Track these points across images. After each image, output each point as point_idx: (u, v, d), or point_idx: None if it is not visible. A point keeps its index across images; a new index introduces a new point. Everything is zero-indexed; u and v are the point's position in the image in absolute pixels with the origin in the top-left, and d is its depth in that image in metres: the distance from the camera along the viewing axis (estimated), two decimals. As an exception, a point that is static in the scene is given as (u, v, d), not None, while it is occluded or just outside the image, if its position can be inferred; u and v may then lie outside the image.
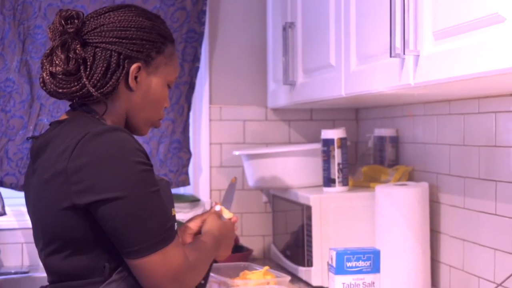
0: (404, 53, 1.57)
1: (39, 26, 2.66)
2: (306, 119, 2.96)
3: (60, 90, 1.55)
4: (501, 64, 1.23)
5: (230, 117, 2.91)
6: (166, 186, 1.65)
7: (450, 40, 1.43)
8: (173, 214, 1.62)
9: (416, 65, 1.56)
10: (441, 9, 1.46)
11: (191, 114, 2.84)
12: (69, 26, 1.55)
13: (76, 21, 1.56)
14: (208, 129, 2.89)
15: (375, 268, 1.88)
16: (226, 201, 2.02)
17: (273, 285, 2.06)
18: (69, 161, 1.46)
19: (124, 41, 1.57)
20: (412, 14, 1.56)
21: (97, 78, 1.55)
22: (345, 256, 1.86)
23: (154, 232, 1.47)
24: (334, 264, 1.87)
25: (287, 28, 2.48)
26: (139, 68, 1.60)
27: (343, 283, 1.87)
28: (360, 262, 1.87)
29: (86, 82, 1.53)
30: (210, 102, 2.89)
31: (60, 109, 2.66)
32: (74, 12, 1.57)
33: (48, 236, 1.53)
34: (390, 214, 2.19)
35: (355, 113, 2.99)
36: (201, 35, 2.79)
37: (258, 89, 2.92)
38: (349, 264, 1.87)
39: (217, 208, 1.92)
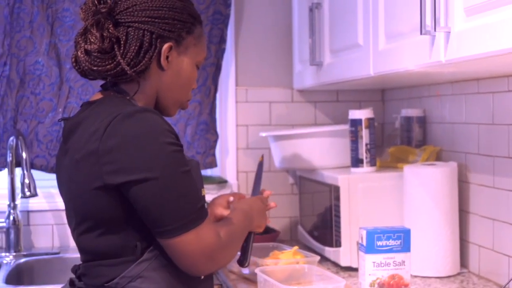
0: (435, 30, 1.56)
1: (67, 9, 2.69)
2: (332, 101, 2.96)
3: (95, 68, 1.56)
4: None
5: (256, 98, 2.92)
6: (196, 166, 1.66)
7: (481, 16, 1.43)
8: (202, 194, 1.63)
9: (447, 42, 1.55)
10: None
11: (217, 95, 2.85)
12: (101, 6, 1.56)
13: (108, 1, 1.57)
14: (235, 111, 2.90)
15: (405, 247, 1.89)
16: (257, 180, 2.03)
17: (303, 264, 2.07)
18: (100, 142, 1.47)
19: (156, 20, 1.58)
20: (443, -10, 1.56)
21: (131, 56, 1.56)
22: (376, 235, 1.87)
23: (186, 212, 1.48)
24: (364, 243, 1.88)
25: (314, 8, 2.47)
26: (170, 48, 1.60)
27: (374, 262, 1.88)
28: (391, 241, 1.88)
29: (121, 60, 1.54)
30: (236, 84, 2.90)
31: (88, 92, 2.69)
32: None
33: (80, 215, 1.55)
34: (418, 194, 2.19)
35: (381, 94, 2.98)
36: (227, 17, 2.79)
37: (283, 70, 2.92)
38: (379, 243, 1.88)
39: None
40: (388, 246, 1.87)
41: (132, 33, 1.56)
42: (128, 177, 1.45)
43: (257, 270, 1.97)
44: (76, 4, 2.68)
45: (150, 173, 1.45)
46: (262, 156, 2.14)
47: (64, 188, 1.60)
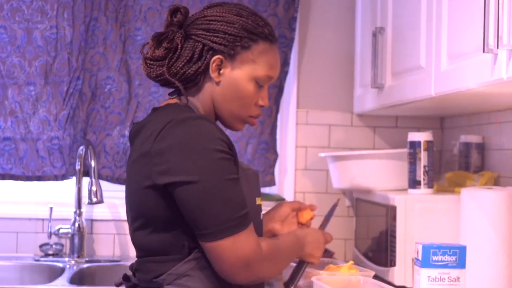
0: (497, 48, 1.61)
1: (138, 28, 2.82)
2: (391, 126, 3.01)
3: (149, 74, 1.68)
4: None
5: (316, 121, 2.99)
6: (253, 175, 1.71)
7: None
8: (257, 203, 1.68)
9: (509, 60, 1.60)
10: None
11: (278, 116, 2.93)
12: (173, 19, 1.67)
13: (179, 14, 1.67)
14: (295, 132, 2.97)
15: (461, 263, 1.91)
16: (326, 218, 2.06)
17: (358, 275, 2.11)
18: (153, 144, 1.55)
19: (208, 33, 1.64)
20: (506, 9, 1.61)
21: (180, 66, 1.64)
22: (431, 250, 1.90)
23: (226, 218, 1.51)
24: (420, 258, 1.91)
25: (377, 33, 2.54)
26: (221, 61, 1.65)
27: (428, 277, 1.90)
28: (446, 256, 1.90)
29: (165, 69, 1.64)
30: (298, 106, 2.98)
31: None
32: (180, 6, 1.68)
33: (134, 212, 1.63)
34: (475, 216, 2.21)
35: (440, 121, 3.02)
36: (291, 40, 2.88)
37: (344, 94, 2.99)
38: (435, 258, 1.90)
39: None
40: (444, 261, 1.90)
41: (189, 45, 1.65)
42: (173, 178, 1.51)
43: (313, 279, 2.01)
44: (148, 23, 2.81)
45: (194, 176, 1.50)
46: (338, 200, 2.14)
47: (126, 186, 1.69)
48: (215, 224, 1.51)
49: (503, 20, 1.62)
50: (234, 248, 1.52)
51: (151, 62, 1.67)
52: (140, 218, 1.62)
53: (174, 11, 1.67)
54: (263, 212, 1.84)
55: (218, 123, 1.72)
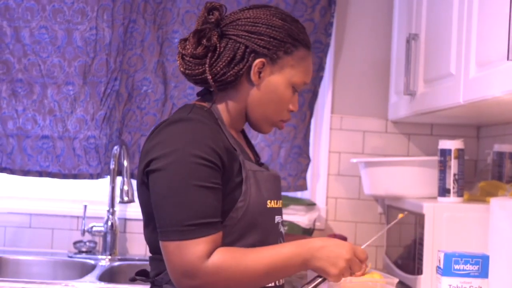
0: (521, 56, 1.60)
1: (176, 31, 2.86)
2: (426, 134, 2.98)
3: (186, 72, 1.66)
4: None
5: (350, 127, 2.98)
6: (269, 177, 1.69)
7: None
8: (269, 206, 1.65)
9: (532, 68, 1.59)
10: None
11: (312, 121, 2.94)
12: (210, 17, 1.65)
13: (217, 12, 1.65)
14: (328, 137, 2.97)
15: (483, 273, 1.89)
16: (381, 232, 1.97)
17: (382, 284, 2.10)
18: (146, 143, 1.60)
19: (252, 35, 1.63)
20: (530, 17, 1.60)
21: (221, 66, 1.63)
22: (453, 259, 1.88)
23: (177, 221, 1.49)
24: (441, 266, 1.90)
25: (411, 40, 2.53)
26: (263, 64, 1.65)
27: (450, 285, 1.89)
28: (468, 265, 1.89)
29: (207, 67, 1.62)
30: (332, 111, 2.98)
31: (189, 109, 2.83)
32: (217, 4, 1.67)
33: (141, 210, 1.67)
34: (504, 227, 2.18)
35: (476, 130, 2.98)
36: (327, 45, 2.89)
37: (379, 101, 2.98)
38: (456, 266, 1.88)
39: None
40: (466, 270, 1.88)
41: (230, 45, 1.63)
42: (149, 167, 1.54)
43: (330, 282, 2.01)
44: (185, 26, 2.85)
45: (162, 165, 1.51)
46: (404, 214, 1.94)
47: None
48: (166, 224, 1.51)
49: (527, 27, 1.60)
50: (177, 253, 1.50)
51: (190, 60, 1.65)
52: (144, 216, 1.66)
53: (211, 8, 1.66)
54: (299, 219, 1.78)
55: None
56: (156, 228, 1.56)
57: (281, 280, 1.69)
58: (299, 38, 1.68)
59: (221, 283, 1.52)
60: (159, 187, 1.52)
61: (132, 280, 1.72)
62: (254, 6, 1.71)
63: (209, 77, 1.62)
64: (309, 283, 1.67)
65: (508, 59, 1.64)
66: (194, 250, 1.49)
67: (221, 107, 1.69)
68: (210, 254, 1.50)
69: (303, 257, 1.58)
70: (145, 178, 1.58)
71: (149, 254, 1.68)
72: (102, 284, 2.38)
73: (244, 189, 1.59)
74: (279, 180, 1.76)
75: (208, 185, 1.52)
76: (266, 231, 1.64)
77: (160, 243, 1.53)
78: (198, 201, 1.51)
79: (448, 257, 1.88)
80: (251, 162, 1.67)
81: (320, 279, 1.66)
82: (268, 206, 1.65)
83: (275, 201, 1.68)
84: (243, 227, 1.59)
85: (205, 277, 1.50)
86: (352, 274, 1.66)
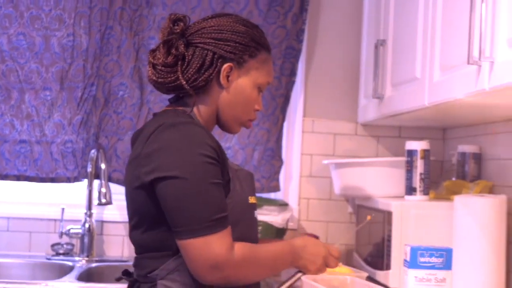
0: (480, 60, 1.70)
1: (152, 37, 2.94)
2: (394, 136, 3.09)
3: (159, 80, 1.74)
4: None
5: (321, 130, 3.08)
6: (247, 175, 1.80)
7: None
8: (250, 201, 1.77)
9: (490, 71, 1.69)
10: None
11: (285, 125, 3.03)
12: (175, 28, 1.74)
13: (182, 23, 1.75)
14: (300, 140, 3.07)
15: (447, 265, 1.99)
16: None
17: (352, 276, 2.19)
18: (143, 147, 1.65)
19: (219, 42, 1.74)
20: (489, 24, 1.70)
21: (191, 72, 1.72)
22: (419, 252, 1.99)
23: (201, 218, 1.57)
24: (408, 259, 2.00)
25: (379, 45, 2.64)
26: (230, 68, 1.75)
27: (416, 277, 1.99)
28: (433, 258, 1.99)
29: (180, 75, 1.71)
30: (304, 115, 3.08)
31: (165, 113, 2.91)
32: (182, 16, 1.77)
33: (130, 212, 1.74)
34: (467, 222, 2.28)
35: (442, 132, 3.10)
36: (299, 51, 2.99)
37: (349, 104, 3.08)
38: (422, 259, 1.99)
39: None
40: (431, 263, 1.98)
41: (197, 53, 1.73)
42: (157, 175, 1.60)
43: (303, 277, 2.10)
44: (161, 32, 2.93)
45: (175, 172, 1.58)
46: (371, 216, 2.17)
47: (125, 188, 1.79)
48: (189, 223, 1.58)
49: (486, 34, 1.70)
50: (204, 248, 1.58)
51: (162, 68, 1.73)
52: (134, 217, 1.72)
53: (176, 20, 1.75)
54: (273, 219, 1.92)
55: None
56: (149, 229, 1.66)
57: None
58: (261, 42, 1.80)
59: (244, 273, 1.65)
60: (177, 191, 1.59)
61: (118, 280, 1.79)
62: (216, 15, 1.81)
63: (184, 82, 1.71)
64: (291, 278, 1.82)
65: (468, 63, 1.75)
66: (222, 243, 1.59)
67: (195, 112, 1.78)
68: (233, 245, 1.61)
69: (292, 255, 1.75)
70: (146, 182, 1.62)
71: (127, 255, 1.74)
72: (82, 284, 2.44)
73: (232, 187, 1.70)
74: (253, 177, 1.86)
75: (218, 181, 1.63)
76: (249, 225, 1.74)
77: (182, 242, 1.59)
78: (214, 196, 1.61)
79: (414, 251, 1.99)
80: (230, 162, 1.76)
81: (300, 274, 1.81)
82: (249, 202, 1.76)
83: (253, 197, 1.79)
84: (230, 222, 1.67)
85: (233, 268, 1.61)
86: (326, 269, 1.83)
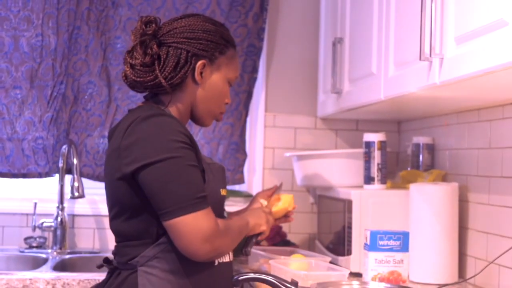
0: (431, 56, 1.86)
1: (118, 37, 3.04)
2: (352, 129, 3.25)
3: (138, 79, 1.85)
4: (503, 60, 1.52)
5: (283, 124, 3.23)
6: (219, 169, 1.93)
7: (468, 44, 1.72)
8: (222, 194, 1.90)
9: (440, 67, 1.85)
10: (460, 17, 1.75)
11: (248, 119, 3.17)
12: (148, 29, 1.85)
13: (153, 25, 1.87)
14: (263, 134, 3.21)
15: (404, 247, 2.15)
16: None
17: (315, 260, 2.34)
18: (121, 140, 1.76)
19: (192, 41, 1.86)
20: (438, 22, 1.86)
21: (168, 71, 1.84)
22: (378, 235, 2.14)
23: (187, 196, 1.70)
24: (368, 242, 2.15)
25: (336, 43, 2.79)
26: (204, 65, 1.88)
27: (375, 259, 2.14)
28: (391, 241, 2.15)
29: (158, 74, 1.83)
30: (266, 110, 3.22)
31: (133, 110, 3.02)
32: (152, 17, 1.88)
33: (110, 202, 1.85)
34: (422, 209, 2.45)
35: (397, 125, 3.26)
36: (260, 49, 3.12)
37: (309, 99, 3.23)
38: (381, 242, 2.14)
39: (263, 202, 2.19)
40: (389, 245, 2.14)
41: (172, 52, 1.85)
42: (138, 164, 1.72)
43: (271, 262, 2.24)
44: (127, 32, 3.04)
45: (155, 158, 1.70)
46: (281, 183, 2.39)
47: (104, 180, 1.89)
48: (177, 202, 1.70)
49: (436, 32, 1.86)
50: (194, 224, 1.70)
51: (141, 68, 1.84)
52: (114, 207, 1.83)
53: (147, 22, 1.87)
54: (238, 209, 2.19)
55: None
56: (130, 218, 1.78)
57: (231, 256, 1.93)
58: (229, 39, 1.94)
59: (227, 242, 1.81)
60: (160, 175, 1.70)
61: (100, 267, 1.91)
62: (185, 16, 1.93)
63: (163, 80, 1.83)
64: (249, 238, 2.06)
65: (420, 59, 1.90)
66: (209, 217, 1.73)
67: (171, 107, 1.90)
68: (216, 220, 1.75)
69: (246, 220, 1.98)
70: (127, 173, 1.73)
71: (98, 247, 1.83)
72: (59, 273, 2.53)
73: (206, 179, 1.81)
74: (225, 171, 1.99)
75: (195, 164, 1.75)
76: (220, 216, 1.87)
77: (171, 222, 1.70)
78: (195, 177, 1.74)
79: (374, 235, 2.14)
80: (204, 155, 1.89)
81: (255, 235, 2.06)
82: (221, 194, 1.89)
83: (224, 190, 1.92)
84: None
85: (220, 239, 1.75)
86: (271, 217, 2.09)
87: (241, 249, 2.07)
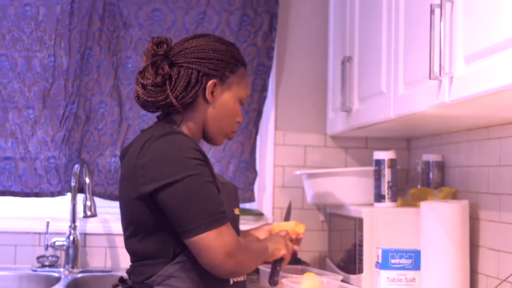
0: (440, 75, 1.87)
1: (129, 57, 3.08)
2: (361, 147, 3.26)
3: (149, 99, 1.87)
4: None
5: (292, 142, 3.25)
6: (232, 188, 1.95)
7: (477, 63, 1.74)
8: (235, 213, 1.91)
9: (450, 86, 1.86)
10: (469, 36, 1.77)
11: (258, 138, 3.19)
12: (159, 50, 1.88)
13: (165, 45, 1.89)
14: (273, 152, 3.23)
15: (416, 265, 2.16)
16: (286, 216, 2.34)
17: (328, 279, 2.34)
18: (137, 159, 1.77)
19: (203, 61, 1.87)
20: (448, 42, 1.87)
21: (180, 90, 1.86)
22: (390, 254, 2.15)
23: (209, 212, 1.71)
24: (380, 261, 2.16)
25: (345, 61, 2.81)
26: (215, 84, 1.89)
27: (387, 277, 2.15)
28: (403, 259, 2.15)
29: (170, 94, 1.84)
30: (275, 128, 3.24)
31: (144, 129, 3.05)
32: (164, 38, 1.91)
33: (126, 222, 1.86)
34: (433, 227, 2.46)
35: (407, 143, 3.28)
36: (269, 68, 3.15)
37: (318, 117, 3.25)
38: (393, 261, 2.15)
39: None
40: (401, 264, 2.14)
41: (183, 72, 1.86)
42: (157, 184, 1.73)
43: (284, 280, 2.25)
44: (137, 52, 3.07)
45: (175, 177, 1.71)
46: (290, 202, 2.46)
47: (119, 200, 1.91)
48: (199, 219, 1.71)
49: (445, 51, 1.88)
50: (219, 238, 1.71)
51: (152, 88, 1.86)
52: (130, 227, 1.84)
53: (159, 42, 1.89)
54: (249, 227, 2.20)
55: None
56: (146, 237, 1.78)
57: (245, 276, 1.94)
58: (239, 58, 1.96)
59: (249, 259, 1.82)
60: (180, 194, 1.71)
61: (115, 287, 1.91)
62: (196, 36, 1.95)
63: (174, 100, 1.85)
64: (273, 268, 2.05)
65: (430, 78, 1.92)
66: (230, 232, 1.75)
67: (184, 127, 1.91)
68: (236, 235, 1.77)
69: (265, 246, 1.97)
70: (145, 193, 1.74)
71: (109, 266, 1.84)
72: (71, 292, 2.56)
73: (221, 199, 1.81)
74: (237, 190, 2.01)
75: (212, 179, 1.77)
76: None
77: (195, 238, 1.71)
78: (214, 193, 1.76)
79: (386, 253, 2.15)
80: (218, 174, 1.90)
81: (279, 262, 2.03)
82: (235, 213, 1.91)
83: (238, 209, 1.94)
84: None
85: (241, 254, 1.77)
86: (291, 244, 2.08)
87: (268, 280, 2.07)
